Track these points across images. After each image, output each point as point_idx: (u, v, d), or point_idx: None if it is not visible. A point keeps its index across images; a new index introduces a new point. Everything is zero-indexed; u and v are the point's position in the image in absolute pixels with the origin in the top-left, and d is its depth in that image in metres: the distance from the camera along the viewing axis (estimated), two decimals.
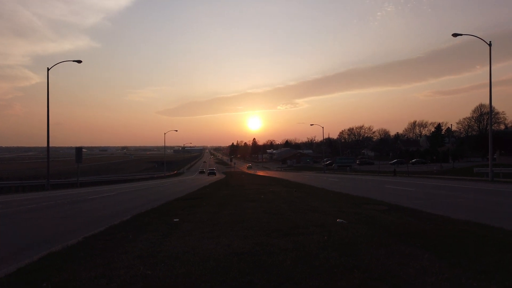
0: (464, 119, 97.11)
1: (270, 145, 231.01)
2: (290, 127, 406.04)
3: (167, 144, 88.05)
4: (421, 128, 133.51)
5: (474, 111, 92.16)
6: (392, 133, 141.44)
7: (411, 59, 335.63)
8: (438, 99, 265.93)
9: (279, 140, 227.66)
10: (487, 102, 34.51)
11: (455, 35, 30.00)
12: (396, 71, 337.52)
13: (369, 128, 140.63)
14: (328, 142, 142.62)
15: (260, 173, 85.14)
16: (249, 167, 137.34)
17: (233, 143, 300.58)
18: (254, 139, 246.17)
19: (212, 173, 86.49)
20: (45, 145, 35.09)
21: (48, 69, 33.68)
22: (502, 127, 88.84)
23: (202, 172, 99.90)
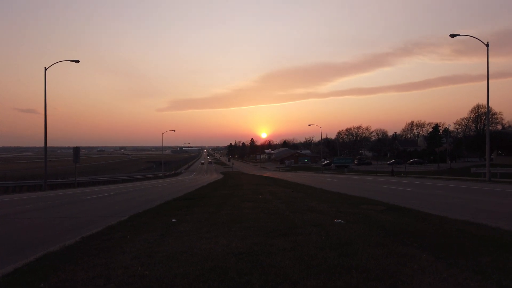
0: (462, 119, 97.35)
1: (268, 145, 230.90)
2: (289, 122, 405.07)
3: (165, 144, 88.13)
4: (419, 128, 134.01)
5: (471, 112, 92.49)
6: (390, 133, 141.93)
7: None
8: (442, 89, 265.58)
9: (277, 140, 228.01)
10: (485, 102, 34.47)
11: (452, 35, 30.08)
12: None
13: (367, 129, 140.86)
14: (326, 143, 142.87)
15: (259, 173, 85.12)
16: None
17: (231, 143, 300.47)
18: (252, 139, 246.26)
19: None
20: (43, 145, 34.95)
21: (45, 69, 33.60)
22: (499, 127, 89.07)
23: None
